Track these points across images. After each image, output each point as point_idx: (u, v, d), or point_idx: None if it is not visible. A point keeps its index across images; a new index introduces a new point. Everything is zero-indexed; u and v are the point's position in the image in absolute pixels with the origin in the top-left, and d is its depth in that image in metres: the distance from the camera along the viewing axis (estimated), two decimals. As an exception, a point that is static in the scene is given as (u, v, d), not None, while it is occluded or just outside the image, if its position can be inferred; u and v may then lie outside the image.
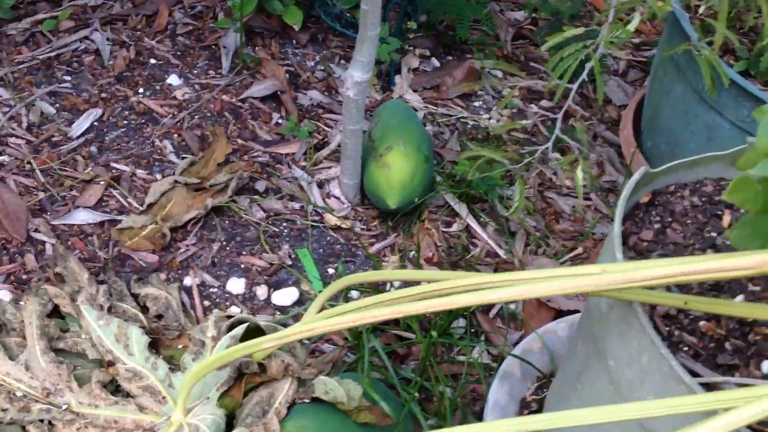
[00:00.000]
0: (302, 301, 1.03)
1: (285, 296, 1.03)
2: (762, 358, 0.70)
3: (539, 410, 0.99)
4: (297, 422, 0.82)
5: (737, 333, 0.73)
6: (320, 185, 1.17)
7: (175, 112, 1.21)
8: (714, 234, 0.79)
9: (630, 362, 0.70)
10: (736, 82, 1.03)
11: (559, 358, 1.02)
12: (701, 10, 1.12)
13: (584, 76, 0.90)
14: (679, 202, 0.82)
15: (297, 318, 1.02)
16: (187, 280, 1.02)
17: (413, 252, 1.11)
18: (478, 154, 0.99)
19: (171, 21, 1.35)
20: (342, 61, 1.38)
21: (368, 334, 0.97)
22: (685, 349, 0.71)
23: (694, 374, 0.67)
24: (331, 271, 1.08)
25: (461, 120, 1.34)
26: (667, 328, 0.72)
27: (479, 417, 0.97)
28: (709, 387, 0.67)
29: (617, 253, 0.71)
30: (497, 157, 0.98)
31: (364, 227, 1.14)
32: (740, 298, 0.74)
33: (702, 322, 0.73)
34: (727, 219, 0.79)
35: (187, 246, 1.05)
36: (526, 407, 1.00)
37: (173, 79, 1.26)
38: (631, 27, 0.80)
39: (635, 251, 0.77)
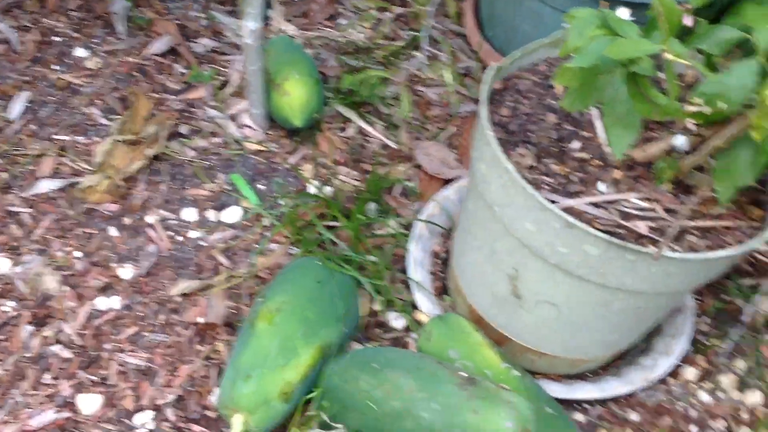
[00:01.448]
0: (246, 214, 1.27)
1: (231, 214, 1.27)
2: (597, 182, 1.00)
3: (446, 259, 1.28)
4: (275, 301, 1.06)
5: (578, 169, 1.02)
6: (233, 119, 1.39)
7: (92, 81, 1.39)
8: (552, 101, 1.08)
9: (509, 204, 0.97)
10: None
11: (455, 214, 1.30)
12: None
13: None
14: (523, 83, 1.09)
15: (245, 229, 1.26)
16: (149, 218, 1.24)
17: (322, 158, 1.36)
18: (365, 76, 1.24)
19: (60, -1, 1.50)
20: (220, 6, 1.58)
21: (309, 231, 1.23)
22: (546, 187, 0.99)
23: (555, 202, 0.96)
24: (261, 186, 1.32)
25: (333, 39, 1.57)
26: (531, 176, 1.00)
27: (404, 272, 1.24)
28: (567, 210, 0.96)
29: (487, 131, 0.98)
30: (377, 74, 1.23)
31: (278, 146, 1.37)
32: (576, 144, 1.04)
33: (554, 166, 1.02)
34: (559, 89, 1.07)
35: (140, 192, 1.26)
36: (436, 257, 1.29)
37: (80, 52, 1.42)
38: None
39: (499, 125, 1.05)
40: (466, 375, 0.98)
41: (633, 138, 0.85)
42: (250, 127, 1.38)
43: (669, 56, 0.75)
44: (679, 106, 0.81)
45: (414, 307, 1.19)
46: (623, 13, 0.85)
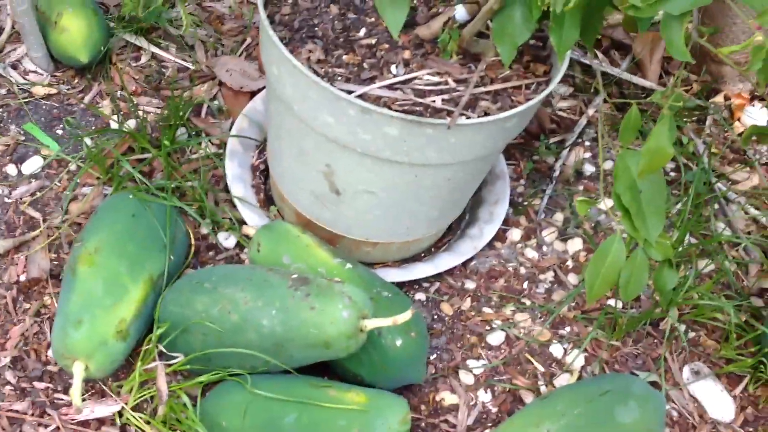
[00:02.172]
0: (48, 162, 1.22)
1: (33, 165, 1.21)
2: (389, 65, 1.02)
3: (266, 170, 1.28)
4: (92, 242, 1.04)
5: (369, 55, 1.04)
6: (14, 67, 1.31)
7: None
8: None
9: (305, 100, 0.98)
10: None
11: (265, 125, 1.30)
12: None
13: None
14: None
15: (50, 178, 1.21)
16: (-56, 185, 1.17)
17: (120, 91, 1.31)
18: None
19: None
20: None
21: (117, 168, 1.19)
22: (340, 78, 1.01)
23: (351, 92, 0.98)
24: (59, 131, 1.26)
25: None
26: (323, 69, 1.01)
27: (226, 191, 1.23)
28: (363, 97, 0.98)
29: (270, 32, 0.97)
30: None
31: (69, 87, 1.31)
32: (363, 31, 1.05)
33: (344, 56, 1.03)
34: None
35: (-72, 159, 1.19)
36: (255, 170, 1.28)
37: None
38: None
39: (282, 25, 1.04)
40: (298, 276, 0.99)
41: (404, 14, 0.86)
42: (34, 72, 1.31)
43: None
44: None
45: (242, 223, 1.19)
46: None
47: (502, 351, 1.15)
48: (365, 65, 1.02)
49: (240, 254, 1.19)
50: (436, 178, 1.05)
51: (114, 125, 1.27)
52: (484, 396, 1.10)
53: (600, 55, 1.52)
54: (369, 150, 0.99)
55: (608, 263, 0.99)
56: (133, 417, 0.97)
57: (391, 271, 1.19)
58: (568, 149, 1.39)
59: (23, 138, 1.24)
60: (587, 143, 1.41)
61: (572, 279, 1.23)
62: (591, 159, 1.39)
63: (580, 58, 1.48)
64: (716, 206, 1.33)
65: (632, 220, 0.98)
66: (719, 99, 1.51)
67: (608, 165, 1.38)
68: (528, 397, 1.10)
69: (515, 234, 1.28)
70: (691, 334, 1.19)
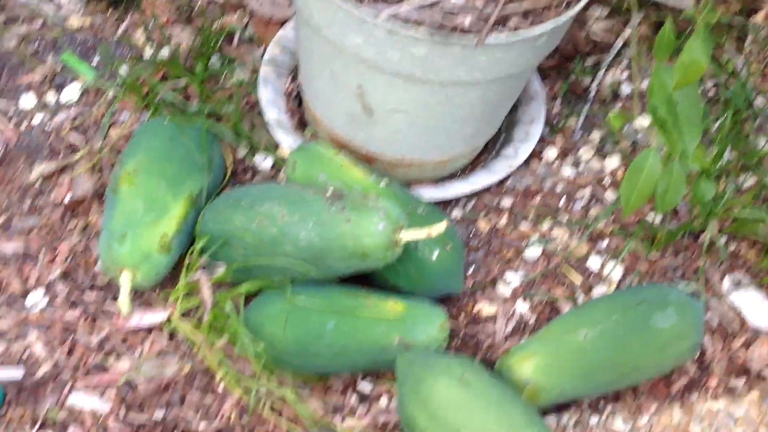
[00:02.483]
0: (86, 90, 1.24)
1: (72, 93, 1.23)
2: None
3: (299, 95, 1.28)
4: (131, 164, 1.06)
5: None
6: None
7: None
8: None
9: (332, 23, 0.97)
10: None
11: (296, 51, 1.30)
12: None
13: None
14: None
15: (89, 105, 1.23)
16: (-13, 115, 1.19)
17: (152, 22, 1.32)
18: None
19: None
20: None
21: (153, 95, 1.21)
22: (367, -2, 1.00)
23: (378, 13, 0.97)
24: (96, 61, 1.28)
25: None
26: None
27: (261, 116, 1.24)
28: (390, 17, 0.97)
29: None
30: None
31: (103, 18, 1.33)
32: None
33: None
34: None
35: (-31, 89, 1.21)
36: (289, 96, 1.29)
37: None
38: None
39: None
40: (334, 191, 1.00)
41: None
42: (68, 3, 1.32)
43: None
44: None
45: (277, 146, 1.20)
46: None
47: (540, 265, 1.15)
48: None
49: (276, 176, 1.20)
50: (467, 96, 1.05)
51: (148, 55, 1.28)
52: (522, 307, 1.11)
53: (636, -26, 1.50)
54: (398, 70, 0.99)
55: (644, 175, 0.99)
56: (181, 324, 1.00)
57: (427, 189, 1.19)
58: (604, 70, 1.38)
59: (60, 68, 1.25)
60: (623, 64, 1.39)
61: (610, 195, 1.23)
62: (627, 80, 1.38)
63: (615, -23, 1.46)
64: (756, 123, 1.31)
65: (669, 133, 0.98)
66: (759, 18, 1.48)
67: (644, 85, 1.36)
68: (565, 308, 1.10)
69: (551, 153, 1.27)
70: (731, 247, 1.18)
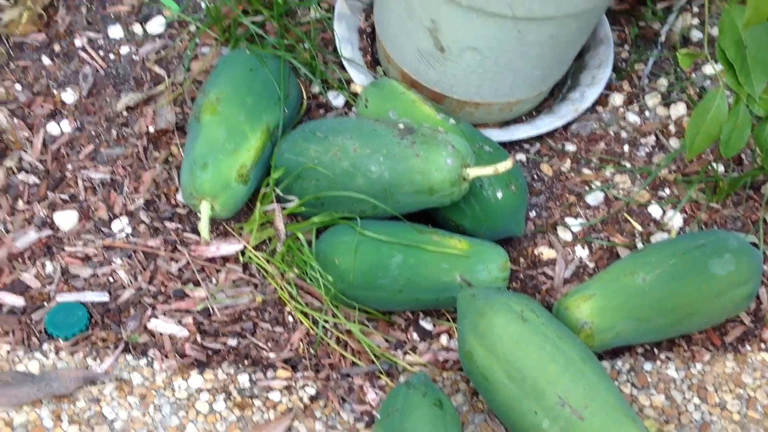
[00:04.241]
0: (170, 22, 1.29)
1: (157, 25, 1.28)
2: None
3: (372, 33, 1.32)
4: (213, 93, 1.11)
5: None
6: (135, -68, 1.38)
7: None
8: None
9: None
10: None
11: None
12: None
13: None
14: None
15: (173, 38, 1.28)
16: (77, 42, 1.25)
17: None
18: None
19: None
20: None
21: (234, 27, 1.25)
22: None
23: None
24: (178, -5, 1.33)
25: None
26: None
27: (335, 53, 1.28)
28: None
29: None
30: None
31: (188, -49, 1.37)
32: None
33: None
34: None
35: (62, 17, 1.27)
36: (363, 33, 1.32)
37: None
38: None
39: None
40: (404, 126, 1.04)
41: None
42: (155, -64, 1.37)
43: None
44: None
45: (350, 83, 1.24)
46: None
47: (601, 210, 1.18)
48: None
49: (348, 112, 1.24)
50: (539, 33, 1.06)
51: (229, -12, 1.33)
52: (582, 251, 1.14)
53: None
54: (473, 3, 1.01)
55: (710, 118, 1.00)
56: (255, 255, 1.06)
57: (492, 131, 1.22)
58: (675, 14, 1.37)
59: (146, 0, 1.31)
60: (695, 9, 1.39)
61: (674, 143, 1.24)
62: (698, 25, 1.37)
63: None
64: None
65: (736, 75, 0.98)
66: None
67: (715, 31, 1.36)
68: (625, 254, 1.14)
69: (617, 99, 1.29)
70: (793, 199, 1.20)
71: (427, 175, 1.00)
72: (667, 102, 1.29)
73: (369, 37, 1.31)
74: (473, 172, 1.00)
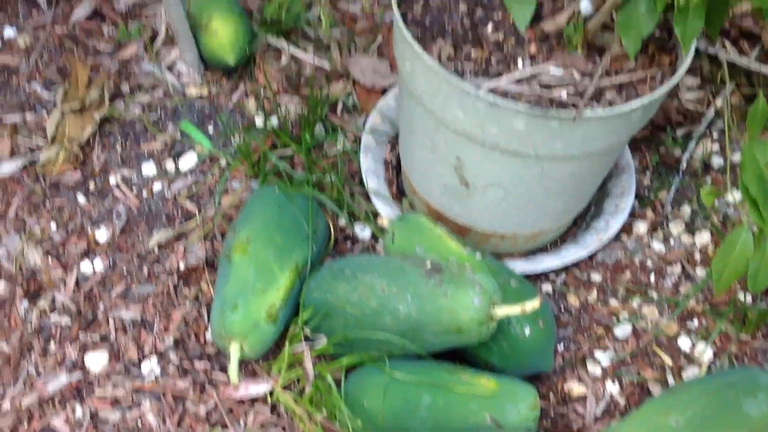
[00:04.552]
0: (202, 158, 1.33)
1: (188, 161, 1.32)
2: (515, 59, 1.07)
3: (398, 164, 1.35)
4: (244, 232, 1.13)
5: (496, 50, 1.08)
6: (169, 68, 1.43)
7: (26, 58, 1.41)
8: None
9: (436, 95, 1.03)
10: None
11: (396, 120, 1.37)
12: None
13: None
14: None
15: (204, 173, 1.32)
16: (112, 180, 1.29)
17: (263, 90, 1.40)
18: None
19: (-26, -17, 1.51)
20: (132, -39, 1.59)
21: (263, 163, 1.29)
22: (468, 73, 1.06)
23: (479, 86, 1.03)
24: (211, 128, 1.37)
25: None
26: (453, 65, 1.06)
27: (361, 184, 1.31)
28: (491, 91, 1.02)
29: (403, 30, 1.03)
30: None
31: (218, 87, 1.42)
32: (490, 27, 1.10)
33: (472, 52, 1.08)
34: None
35: (97, 156, 1.31)
36: (388, 164, 1.35)
37: (9, 32, 1.44)
38: None
39: (414, 23, 1.10)
40: (431, 264, 1.06)
41: (531, 9, 0.90)
42: (187, 73, 1.42)
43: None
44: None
45: (376, 215, 1.27)
46: None
47: (630, 343, 1.18)
48: (493, 60, 1.07)
49: (375, 244, 1.26)
50: (562, 170, 1.08)
51: (258, 123, 1.37)
52: (612, 387, 1.13)
53: (728, 44, 1.51)
54: (497, 143, 1.04)
55: (736, 254, 1.01)
56: (283, 397, 1.06)
57: (518, 262, 1.23)
58: (695, 141, 1.40)
59: (179, 136, 1.35)
60: (715, 135, 1.41)
61: (700, 272, 1.25)
62: (719, 151, 1.39)
63: (707, 49, 1.47)
64: None
65: (760, 211, 0.99)
66: None
67: (736, 157, 1.37)
68: (656, 389, 1.12)
69: (641, 226, 1.30)
70: (824, 329, 1.19)
71: (454, 315, 1.00)
72: (691, 230, 1.30)
73: (394, 169, 1.34)
74: (501, 311, 1.01)
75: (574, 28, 1.04)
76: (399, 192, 1.32)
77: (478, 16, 1.10)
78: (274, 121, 1.37)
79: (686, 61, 1.03)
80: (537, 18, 1.09)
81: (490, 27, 1.09)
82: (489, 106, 0.98)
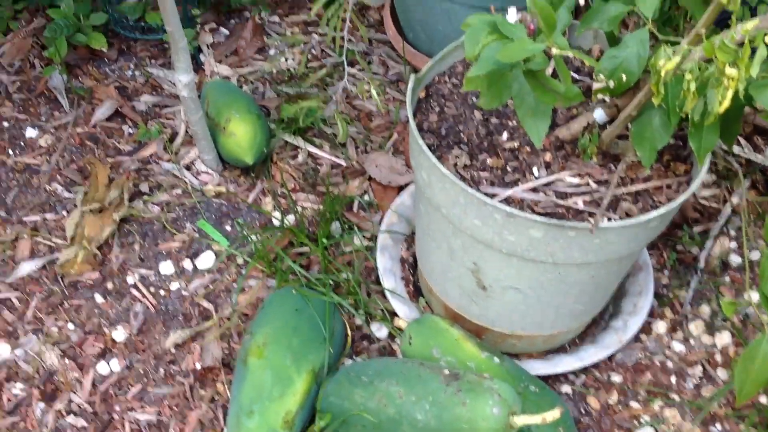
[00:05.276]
0: (219, 257, 1.33)
1: (206, 260, 1.33)
2: (531, 167, 1.08)
3: (414, 262, 1.35)
4: (261, 335, 1.13)
5: (512, 158, 1.10)
6: (188, 168, 1.45)
7: (47, 158, 1.44)
8: (475, 99, 1.15)
9: (453, 204, 1.04)
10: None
11: (412, 219, 1.37)
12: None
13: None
14: (444, 86, 1.16)
15: (221, 272, 1.32)
16: (129, 279, 1.30)
17: (280, 189, 1.42)
18: (299, 106, 1.31)
19: (0, 84, 1.55)
20: (152, 61, 1.63)
21: (279, 262, 1.29)
22: (485, 181, 1.06)
23: (494, 195, 1.04)
24: (228, 228, 1.38)
25: (265, 71, 1.63)
26: (469, 174, 1.07)
27: (377, 282, 1.31)
28: (507, 199, 1.04)
29: (419, 141, 1.05)
30: (311, 104, 1.30)
31: (236, 185, 1.44)
32: (505, 135, 1.11)
33: (488, 160, 1.09)
34: (477, 89, 1.14)
35: (116, 255, 1.32)
36: (404, 263, 1.36)
37: (30, 132, 1.48)
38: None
39: (430, 132, 1.12)
40: (449, 371, 1.05)
41: (546, 125, 0.91)
42: (206, 172, 1.44)
43: (555, 51, 0.83)
44: (577, 91, 0.88)
45: (393, 314, 1.26)
46: (512, 14, 0.91)
47: (651, 446, 1.16)
48: (508, 168, 1.07)
49: (392, 344, 1.25)
50: (580, 275, 1.08)
51: (275, 221, 1.38)
52: (634, 492, 1.11)
53: (743, 141, 1.52)
54: (514, 250, 1.04)
55: (758, 365, 0.99)
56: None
57: (536, 363, 1.22)
58: (712, 239, 1.39)
59: (197, 234, 1.36)
60: (732, 232, 1.41)
61: (722, 374, 1.23)
62: (737, 249, 1.39)
63: (722, 145, 1.49)
64: None
65: (780, 320, 0.98)
66: None
67: (755, 256, 1.37)
68: (678, 495, 1.10)
69: (660, 326, 1.29)
70: None
71: (473, 425, 0.99)
72: (711, 330, 1.28)
73: (411, 267, 1.34)
74: (520, 420, 0.99)
75: (589, 138, 1.05)
76: (416, 290, 1.32)
77: (492, 125, 1.12)
78: (290, 218, 1.38)
79: (702, 172, 1.03)
80: (551, 125, 1.10)
81: (505, 135, 1.10)
82: (506, 216, 0.99)
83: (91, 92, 1.54)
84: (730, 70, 0.71)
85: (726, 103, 0.73)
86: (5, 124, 1.49)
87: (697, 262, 1.36)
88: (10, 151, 1.45)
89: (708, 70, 0.75)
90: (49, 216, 1.36)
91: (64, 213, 1.37)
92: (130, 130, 1.51)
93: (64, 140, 1.47)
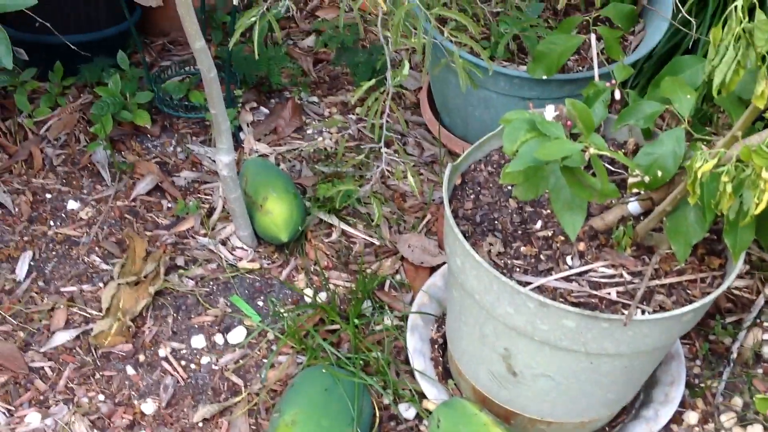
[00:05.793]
0: (250, 332, 1.35)
1: (237, 335, 1.34)
2: (564, 256, 1.09)
3: (444, 343, 1.35)
4: (289, 414, 1.13)
5: (545, 247, 1.11)
6: (223, 243, 1.48)
7: (87, 230, 1.48)
8: (510, 187, 1.17)
9: (487, 291, 1.05)
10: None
11: (444, 300, 1.38)
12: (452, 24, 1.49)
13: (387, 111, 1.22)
14: (480, 174, 1.18)
15: (252, 347, 1.33)
16: (161, 352, 1.31)
17: (313, 266, 1.44)
18: (335, 188, 1.34)
19: (45, 157, 1.60)
20: (193, 138, 1.68)
21: (310, 339, 1.30)
22: (518, 269, 1.08)
23: (528, 283, 1.05)
24: (260, 303, 1.40)
25: (303, 150, 1.67)
26: (503, 261, 1.08)
27: (406, 362, 1.31)
28: (540, 288, 1.04)
29: (455, 229, 1.07)
30: (349, 187, 1.33)
31: (270, 262, 1.46)
32: (539, 223, 1.13)
33: (522, 248, 1.10)
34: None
35: (149, 328, 1.34)
36: (434, 343, 1.36)
37: (72, 204, 1.52)
38: (405, 72, 1.12)
39: (465, 218, 1.14)
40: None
41: (582, 219, 0.93)
42: (241, 248, 1.47)
43: (592, 151, 0.85)
44: (614, 188, 0.90)
45: (421, 394, 1.26)
46: (549, 112, 0.94)
47: None
48: (542, 256, 1.09)
49: (419, 425, 1.25)
50: (612, 365, 1.08)
51: (307, 298, 1.39)
52: None
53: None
54: (547, 339, 1.04)
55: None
56: None
57: (565, 451, 1.21)
58: (745, 330, 1.38)
59: (230, 310, 1.38)
60: (766, 324, 1.40)
61: (754, 469, 1.21)
62: (770, 341, 1.38)
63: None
64: None
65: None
66: None
67: (789, 347, 1.36)
68: None
69: (692, 417, 1.27)
70: None
71: None
72: (743, 423, 1.27)
73: (441, 348, 1.34)
74: None
75: (623, 231, 1.06)
76: (445, 372, 1.32)
77: (526, 213, 1.13)
78: (323, 296, 1.40)
79: (737, 268, 1.04)
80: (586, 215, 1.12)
81: (539, 223, 1.12)
82: (540, 305, 0.99)
83: (133, 167, 1.58)
84: (767, 174, 0.72)
85: (763, 205, 0.74)
86: (48, 195, 1.53)
87: (730, 352, 1.35)
88: (52, 222, 1.49)
89: (744, 172, 0.77)
90: (85, 287, 1.39)
91: (101, 284, 1.39)
92: (169, 205, 1.54)
93: (104, 213, 1.51)
